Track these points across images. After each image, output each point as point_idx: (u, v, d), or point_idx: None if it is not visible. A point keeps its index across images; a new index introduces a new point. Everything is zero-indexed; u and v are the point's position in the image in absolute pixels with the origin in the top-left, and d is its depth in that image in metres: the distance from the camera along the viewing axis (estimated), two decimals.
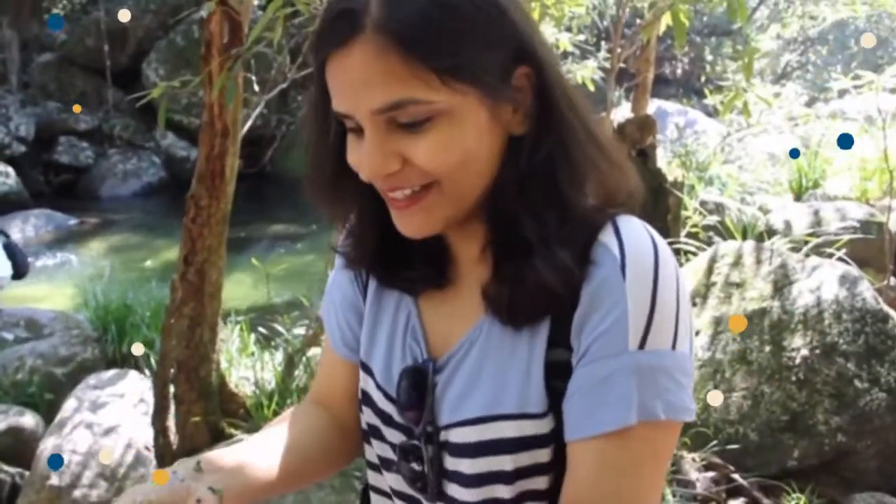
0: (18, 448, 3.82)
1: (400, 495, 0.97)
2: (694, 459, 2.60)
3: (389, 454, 0.95)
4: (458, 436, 0.87)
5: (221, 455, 0.92)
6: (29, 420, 3.96)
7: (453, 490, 0.89)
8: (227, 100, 2.55)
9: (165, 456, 3.12)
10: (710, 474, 2.56)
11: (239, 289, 5.59)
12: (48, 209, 9.31)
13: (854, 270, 2.92)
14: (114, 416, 3.59)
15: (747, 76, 3.04)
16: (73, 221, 9.23)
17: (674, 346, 0.80)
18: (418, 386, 0.89)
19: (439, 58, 0.74)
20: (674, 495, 2.35)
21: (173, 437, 3.10)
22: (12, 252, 5.54)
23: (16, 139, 10.56)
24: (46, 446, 3.45)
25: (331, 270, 1.06)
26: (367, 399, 0.96)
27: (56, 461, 3.26)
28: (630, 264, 0.79)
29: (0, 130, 10.46)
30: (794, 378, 2.71)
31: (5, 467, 3.66)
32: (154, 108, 11.28)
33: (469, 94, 0.76)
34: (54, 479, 3.31)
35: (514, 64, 0.79)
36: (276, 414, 3.11)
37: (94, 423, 3.54)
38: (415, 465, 0.90)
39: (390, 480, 0.97)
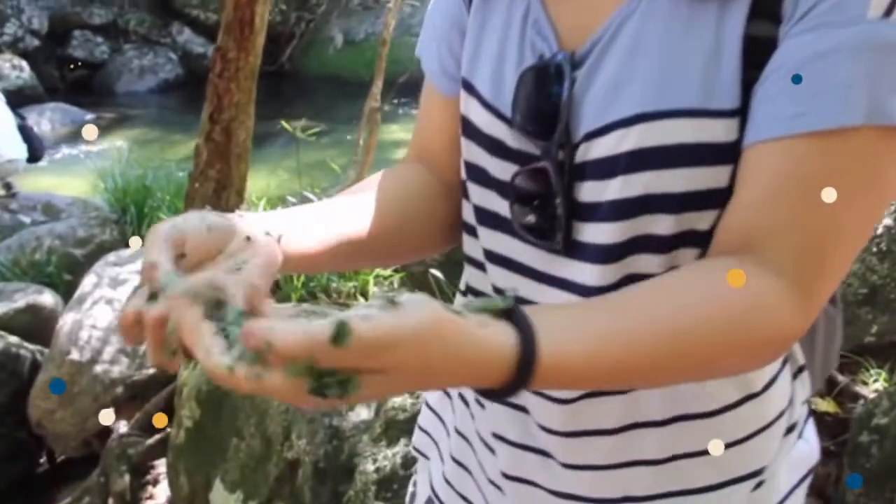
0: (38, 326, 3.73)
1: (499, 260, 0.74)
2: None
3: (493, 203, 0.72)
4: (604, 147, 0.64)
5: (292, 212, 0.71)
6: (48, 298, 3.86)
7: (589, 232, 0.66)
8: None
9: None
10: None
11: (261, 182, 5.41)
12: (63, 104, 9.17)
13: None
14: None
15: None
16: (89, 116, 9.11)
17: None
18: (545, 89, 0.66)
19: None
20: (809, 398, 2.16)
21: None
22: (27, 134, 5.40)
23: (28, 32, 10.30)
24: (66, 321, 3.34)
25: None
26: (468, 128, 0.73)
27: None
28: None
29: (12, 23, 10.20)
30: (875, 249, 2.49)
31: (26, 344, 3.56)
32: (170, 2, 10.95)
33: None
34: (75, 355, 3.21)
35: None
36: (305, 286, 2.92)
37: (113, 299, 3.42)
38: (532, 207, 0.68)
39: (489, 242, 0.74)
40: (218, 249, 0.59)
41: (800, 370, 0.76)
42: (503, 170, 0.70)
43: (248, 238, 0.59)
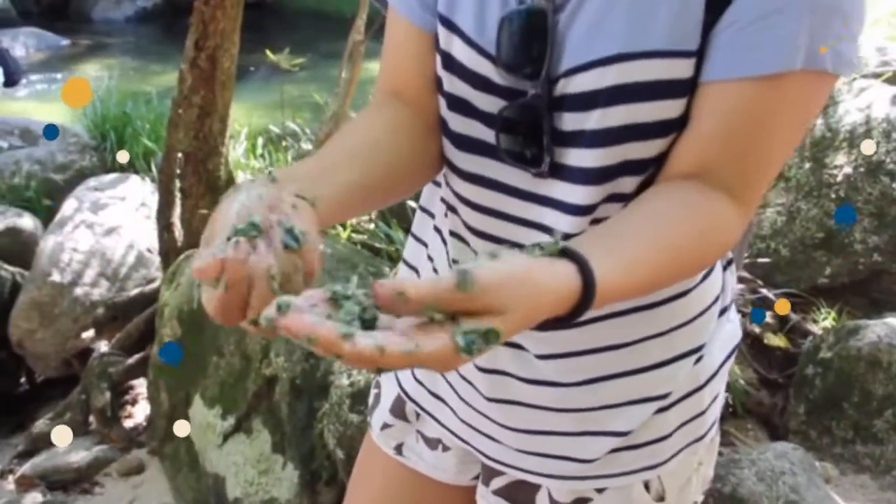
0: (17, 248, 3.73)
1: (480, 180, 0.83)
2: None
3: (477, 131, 0.80)
4: (584, 82, 0.72)
5: (295, 166, 0.76)
6: (27, 222, 3.86)
7: (573, 157, 0.75)
8: None
9: (170, 253, 3.02)
10: (738, 286, 2.49)
11: (244, 112, 5.40)
12: (38, 29, 8.95)
13: None
14: (115, 217, 3.49)
15: None
16: (64, 42, 8.90)
17: None
18: (530, 31, 0.73)
19: None
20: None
21: (178, 232, 2.99)
22: (3, 58, 5.28)
23: None
24: (47, 244, 3.37)
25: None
26: (449, 62, 0.80)
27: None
28: None
29: None
30: (833, 195, 2.61)
31: (5, 266, 3.58)
32: None
33: None
34: (56, 276, 3.24)
35: None
36: None
37: (94, 223, 3.45)
38: (521, 136, 0.76)
39: (469, 165, 0.82)
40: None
41: (728, 263, 0.89)
42: (489, 103, 0.78)
43: (294, 206, 0.64)
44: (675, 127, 0.73)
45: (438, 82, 0.82)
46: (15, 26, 8.90)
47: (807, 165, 2.64)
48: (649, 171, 0.75)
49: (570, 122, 0.74)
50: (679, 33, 0.70)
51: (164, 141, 3.09)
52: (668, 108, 0.72)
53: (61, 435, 2.69)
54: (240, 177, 3.19)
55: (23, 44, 8.57)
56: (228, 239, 0.58)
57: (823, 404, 2.16)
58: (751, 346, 2.35)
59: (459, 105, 0.80)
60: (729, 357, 0.94)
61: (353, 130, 0.83)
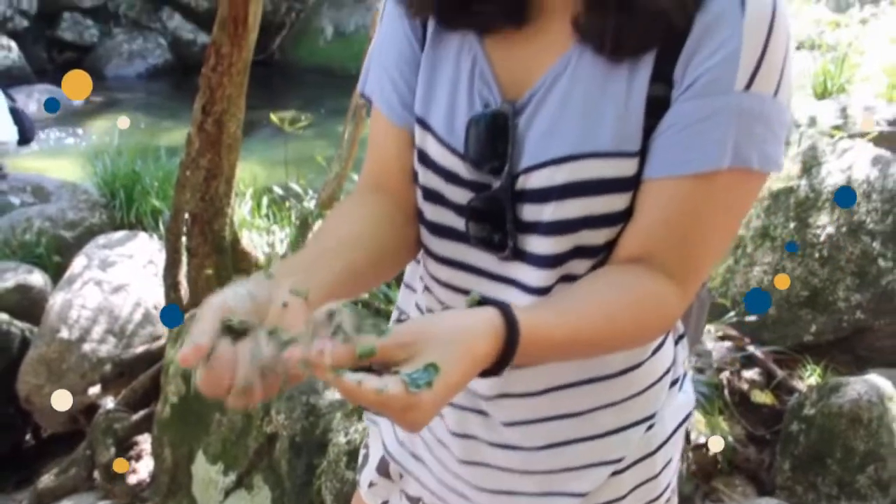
0: (27, 304, 3.82)
1: (453, 264, 0.92)
2: (710, 330, 2.59)
3: (449, 219, 0.89)
4: (540, 179, 0.82)
5: (289, 261, 0.84)
6: (37, 278, 3.96)
7: (532, 244, 0.84)
8: None
9: None
10: (726, 344, 2.56)
11: (249, 170, 5.52)
12: (52, 86, 9.15)
13: (886, 153, 2.86)
14: (123, 274, 3.58)
15: None
16: (77, 100, 9.08)
17: (776, 94, 0.76)
18: (493, 132, 0.83)
19: None
20: (688, 359, 2.35)
21: (184, 291, 3.09)
22: (18, 116, 5.46)
23: (18, 12, 10.30)
24: (56, 301, 3.45)
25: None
26: (424, 158, 0.89)
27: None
28: (750, 0, 0.74)
29: (1, 2, 10.19)
30: (817, 255, 2.68)
31: (15, 322, 3.67)
32: None
33: None
34: (64, 333, 3.32)
35: None
36: None
37: (103, 280, 3.54)
38: (488, 224, 0.85)
39: (444, 250, 0.91)
40: (261, 315, 0.69)
41: (680, 337, 0.98)
42: (459, 194, 0.87)
43: (285, 304, 0.71)
44: (622, 218, 0.81)
45: (414, 175, 0.91)
46: (30, 83, 9.12)
47: (791, 225, 2.73)
48: (600, 256, 0.84)
49: (530, 212, 0.83)
50: (623, 136, 0.79)
51: (171, 199, 3.20)
52: (615, 202, 0.80)
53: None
54: (244, 237, 3.29)
55: (37, 100, 8.76)
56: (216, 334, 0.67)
57: (808, 460, 2.21)
58: (738, 403, 2.41)
59: (433, 196, 0.89)
60: (681, 425, 1.01)
61: (339, 221, 0.91)
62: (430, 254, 0.93)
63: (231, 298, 0.69)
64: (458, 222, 0.88)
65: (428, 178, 0.89)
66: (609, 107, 0.79)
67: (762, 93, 0.75)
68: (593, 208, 0.81)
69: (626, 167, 0.79)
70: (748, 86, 0.75)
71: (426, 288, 0.96)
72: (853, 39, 7.15)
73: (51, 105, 3.21)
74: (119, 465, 2.87)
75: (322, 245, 0.86)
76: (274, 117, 3.29)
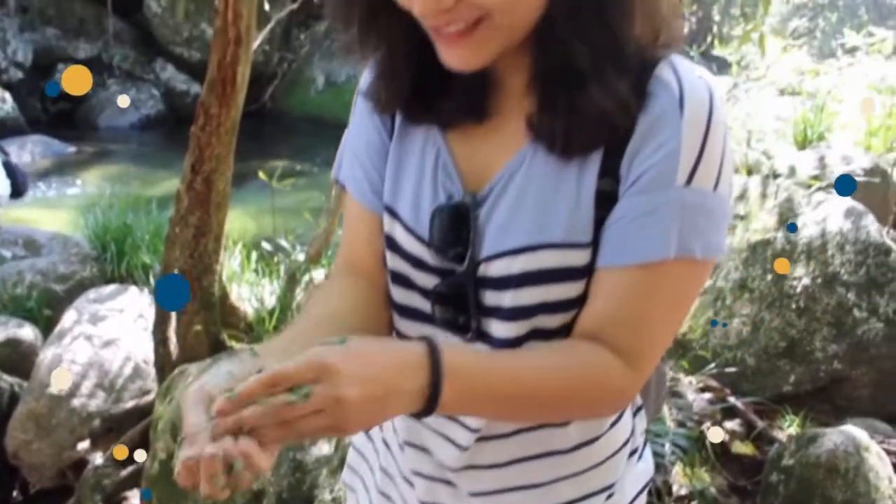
0: (17, 359, 3.83)
1: None
2: (691, 382, 2.64)
3: (416, 302, 0.94)
4: (499, 268, 0.87)
5: (273, 341, 0.89)
6: (28, 332, 3.97)
7: (493, 327, 0.89)
8: (245, 3, 2.51)
9: (165, 366, 3.14)
10: (707, 396, 2.60)
11: (239, 221, 5.58)
12: (46, 136, 9.24)
13: (859, 206, 2.93)
14: (113, 329, 3.60)
15: (766, 9, 3.01)
16: (70, 150, 9.18)
17: (715, 187, 0.82)
18: (456, 222, 0.88)
19: None
20: (669, 410, 2.39)
21: (173, 346, 3.12)
22: (11, 170, 5.51)
23: (13, 64, 10.43)
24: (46, 356, 3.46)
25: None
26: (392, 244, 0.94)
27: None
28: (688, 101, 0.80)
29: None
30: (794, 306, 2.74)
31: (5, 376, 3.68)
32: (155, 39, 10.95)
33: None
34: (53, 388, 3.34)
35: None
36: (276, 329, 3.13)
37: (93, 335, 3.56)
38: (452, 307, 0.90)
39: (411, 330, 0.96)
40: None
41: (638, 409, 1.03)
42: (425, 279, 0.93)
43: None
44: (576, 304, 0.87)
45: (384, 259, 0.97)
46: (24, 134, 9.22)
47: (769, 277, 2.79)
48: (556, 339, 0.89)
49: (490, 298, 0.89)
50: (574, 228, 0.85)
51: (161, 254, 3.25)
52: (569, 290, 0.86)
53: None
54: (233, 291, 3.33)
55: (30, 151, 8.85)
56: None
57: None
58: (720, 454, 2.45)
59: (401, 280, 0.95)
60: (641, 492, 1.05)
61: (319, 302, 0.97)
62: (400, 334, 0.98)
63: (209, 383, 0.73)
64: (425, 305, 0.94)
65: (396, 262, 0.95)
66: (561, 201, 0.85)
67: (702, 187, 0.81)
68: (548, 296, 0.86)
69: (579, 257, 0.85)
70: (688, 181, 0.80)
71: None
72: (832, 87, 7.31)
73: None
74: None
75: (302, 325, 0.91)
76: (262, 174, 3.35)
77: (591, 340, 0.85)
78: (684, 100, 0.80)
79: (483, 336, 0.91)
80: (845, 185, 2.68)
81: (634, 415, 1.03)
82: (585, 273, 0.86)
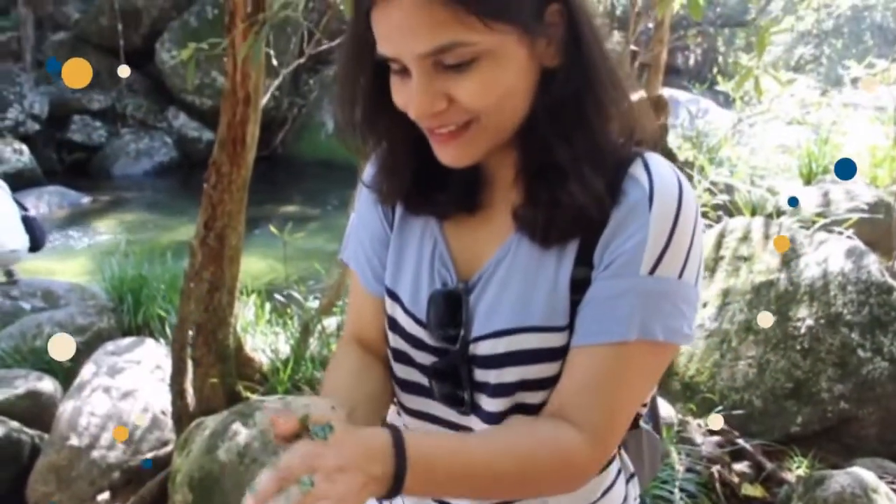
0: (37, 411, 3.89)
1: (419, 415, 1.03)
2: (700, 424, 2.67)
3: (416, 377, 1.01)
4: (486, 348, 0.94)
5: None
6: (47, 385, 4.04)
7: (483, 401, 0.96)
8: (253, 64, 2.60)
9: (183, 417, 3.19)
10: (715, 438, 2.63)
11: (253, 266, 5.66)
12: (61, 186, 9.39)
13: (861, 245, 2.98)
14: (131, 381, 3.66)
15: (760, 51, 3.08)
16: (85, 199, 9.32)
17: (680, 276, 0.88)
18: (450, 306, 0.96)
19: (481, 2, 0.80)
20: (679, 453, 2.42)
21: (190, 398, 3.18)
22: (30, 225, 5.62)
23: (30, 117, 10.65)
24: (66, 408, 3.52)
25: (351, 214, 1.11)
26: (394, 325, 1.02)
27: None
28: (657, 198, 0.87)
29: (14, 108, 10.53)
30: (798, 347, 2.77)
31: (26, 429, 3.74)
32: (167, 88, 11.14)
33: (509, 33, 0.82)
34: (74, 440, 3.38)
35: (547, 1, 0.85)
36: (291, 379, 3.18)
37: (111, 387, 3.62)
38: (448, 383, 0.97)
39: (411, 402, 1.03)
40: None
41: (632, 476, 1.07)
42: (423, 357, 1.00)
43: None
44: (555, 382, 0.93)
45: (386, 338, 1.04)
46: (40, 185, 9.39)
47: (773, 319, 2.83)
48: (539, 412, 0.95)
49: (480, 375, 0.96)
50: (553, 312, 0.91)
51: (177, 304, 3.32)
52: (547, 369, 0.92)
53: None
54: (248, 341, 3.40)
55: (46, 202, 9.01)
56: None
57: None
58: (729, 497, 2.47)
59: (402, 357, 1.02)
60: None
61: (329, 372, 1.05)
62: (402, 407, 1.05)
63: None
64: (424, 380, 1.01)
65: (397, 342, 1.02)
66: (541, 287, 0.92)
67: (667, 276, 0.87)
68: (528, 374, 0.93)
69: (556, 339, 0.91)
70: (653, 270, 0.87)
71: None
72: (836, 119, 7.38)
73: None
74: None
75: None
76: (274, 228, 3.43)
77: (557, 416, 0.91)
78: (654, 196, 0.87)
79: (476, 409, 0.97)
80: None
81: (628, 481, 1.07)
82: (562, 354, 0.92)
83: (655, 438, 1.12)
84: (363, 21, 0.85)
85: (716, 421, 2.53)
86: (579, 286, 0.90)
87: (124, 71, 8.11)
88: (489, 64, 0.83)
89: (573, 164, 0.87)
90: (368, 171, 1.04)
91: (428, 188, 0.97)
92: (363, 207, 1.07)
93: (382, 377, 1.04)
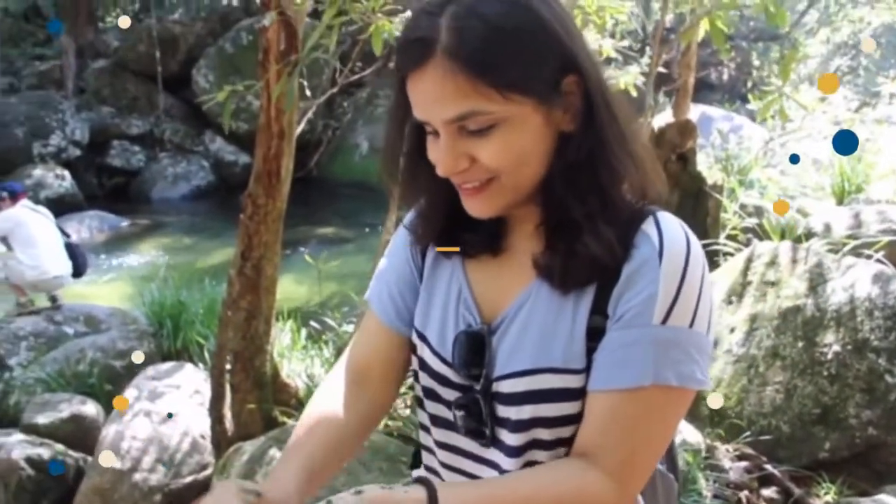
0: (80, 435, 4.03)
1: (447, 447, 1.10)
2: (728, 450, 2.69)
3: (444, 412, 1.08)
4: (507, 386, 1.00)
5: (279, 471, 1.03)
6: (90, 408, 4.18)
7: (503, 435, 1.03)
8: (286, 106, 2.71)
9: (222, 442, 3.29)
10: (743, 464, 2.65)
11: (289, 289, 5.77)
12: (101, 211, 9.62)
13: (888, 269, 2.99)
14: (171, 405, 3.77)
15: (784, 79, 3.12)
16: (125, 223, 9.54)
17: (691, 325, 0.94)
18: (474, 347, 1.03)
19: (499, 76, 0.89)
20: (706, 480, 2.45)
21: (229, 424, 3.27)
22: (73, 252, 5.80)
23: (71, 143, 10.93)
24: (108, 432, 3.64)
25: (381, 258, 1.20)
26: (423, 364, 1.09)
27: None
28: (666, 253, 0.94)
29: (57, 135, 10.82)
30: (826, 373, 2.78)
31: (70, 452, 3.87)
32: (203, 113, 11.35)
33: (525, 103, 0.91)
34: (116, 463, 3.50)
35: (563, 74, 0.93)
36: None
37: (152, 411, 3.73)
38: (472, 418, 1.04)
39: (440, 436, 1.10)
40: None
41: None
42: (449, 394, 1.07)
43: None
44: (570, 421, 0.99)
45: (416, 376, 1.12)
46: (81, 210, 9.63)
47: (800, 344, 2.85)
48: (556, 449, 1.01)
49: (501, 411, 1.03)
50: (570, 356, 0.98)
51: (215, 329, 3.42)
52: (564, 408, 0.99)
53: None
54: (284, 367, 3.49)
55: (87, 226, 9.24)
56: None
57: None
58: None
59: (430, 394, 1.10)
60: None
61: (315, 409, 1.12)
62: (433, 439, 1.11)
63: None
64: (450, 415, 1.08)
65: (426, 380, 1.10)
66: (561, 332, 0.99)
67: (677, 325, 0.93)
68: (547, 412, 0.99)
69: (574, 381, 0.98)
70: (664, 321, 0.93)
71: (431, 463, 1.15)
72: (869, 136, 7.33)
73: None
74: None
75: (308, 448, 1.06)
76: (309, 258, 3.52)
77: (583, 458, 0.97)
78: (663, 252, 0.94)
79: (496, 442, 1.04)
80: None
81: None
82: (580, 395, 0.98)
83: (670, 479, 1.17)
84: (401, 88, 0.95)
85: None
86: (595, 334, 0.97)
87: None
88: (507, 129, 0.92)
89: (587, 220, 0.95)
90: (410, 216, 1.13)
91: (458, 230, 1.06)
92: (394, 249, 1.15)
93: (370, 415, 1.13)
